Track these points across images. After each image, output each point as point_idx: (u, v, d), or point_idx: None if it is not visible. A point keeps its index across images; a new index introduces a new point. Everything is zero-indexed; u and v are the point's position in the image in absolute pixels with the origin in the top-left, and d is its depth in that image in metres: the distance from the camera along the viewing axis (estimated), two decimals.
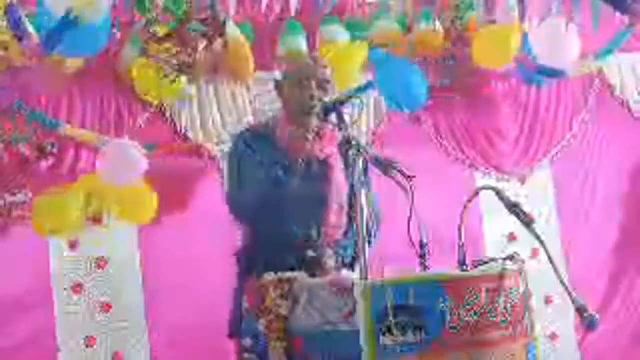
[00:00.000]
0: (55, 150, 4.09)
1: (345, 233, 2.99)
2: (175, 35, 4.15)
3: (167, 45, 4.15)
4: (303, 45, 4.47)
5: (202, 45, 4.23)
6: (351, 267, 2.97)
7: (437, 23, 4.73)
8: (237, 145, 3.04)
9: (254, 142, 2.99)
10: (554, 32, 4.64)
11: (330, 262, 2.88)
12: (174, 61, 4.15)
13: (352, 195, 2.87)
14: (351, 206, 2.92)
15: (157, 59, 4.14)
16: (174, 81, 4.19)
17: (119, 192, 4.19)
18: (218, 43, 4.29)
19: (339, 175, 2.98)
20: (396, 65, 4.48)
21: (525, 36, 4.75)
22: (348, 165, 2.94)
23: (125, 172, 4.17)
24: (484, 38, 4.75)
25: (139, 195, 4.23)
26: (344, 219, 2.99)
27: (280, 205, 2.86)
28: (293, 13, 4.54)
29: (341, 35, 4.56)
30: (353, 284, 2.29)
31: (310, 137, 2.90)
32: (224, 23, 4.26)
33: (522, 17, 4.67)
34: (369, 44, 4.57)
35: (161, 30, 4.13)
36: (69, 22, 3.67)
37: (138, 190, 4.21)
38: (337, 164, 2.99)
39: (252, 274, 2.81)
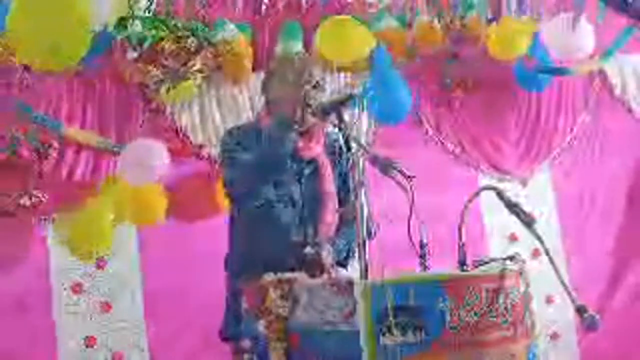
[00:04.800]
0: (52, 153, 4.06)
1: (337, 230, 3.01)
2: (146, 56, 4.13)
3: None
4: (300, 47, 4.47)
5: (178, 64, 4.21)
6: (343, 265, 2.99)
7: (437, 21, 4.73)
8: (228, 143, 3.03)
9: (243, 139, 2.99)
10: (569, 28, 4.64)
11: (328, 260, 2.88)
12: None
13: (346, 193, 2.89)
14: (351, 205, 2.92)
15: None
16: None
17: (135, 192, 4.16)
18: (206, 53, 4.27)
19: (329, 174, 3.00)
20: (388, 77, 4.50)
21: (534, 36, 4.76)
22: (336, 164, 3.01)
23: (148, 173, 4.13)
24: (501, 29, 4.76)
25: (153, 194, 4.22)
26: (336, 217, 3.01)
27: (274, 204, 2.88)
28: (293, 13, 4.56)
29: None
30: (353, 284, 2.29)
31: (297, 135, 2.92)
32: (205, 39, 4.24)
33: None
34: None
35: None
36: (105, 38, 3.66)
37: (152, 189, 4.20)
38: (326, 163, 3.01)
39: (242, 277, 2.80)
